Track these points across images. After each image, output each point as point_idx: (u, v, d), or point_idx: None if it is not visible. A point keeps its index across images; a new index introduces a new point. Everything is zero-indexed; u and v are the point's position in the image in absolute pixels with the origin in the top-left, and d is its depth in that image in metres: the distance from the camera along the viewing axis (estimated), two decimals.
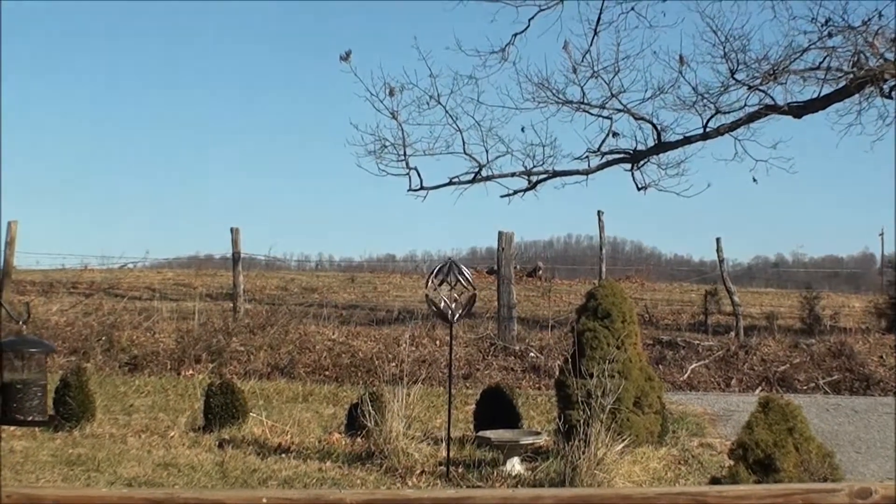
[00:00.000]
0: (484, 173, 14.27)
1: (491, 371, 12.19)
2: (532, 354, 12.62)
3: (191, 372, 11.90)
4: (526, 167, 14.27)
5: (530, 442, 7.57)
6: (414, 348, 12.64)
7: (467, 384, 11.58)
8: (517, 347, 12.88)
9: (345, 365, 12.13)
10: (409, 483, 6.91)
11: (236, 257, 14.79)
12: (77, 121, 46.17)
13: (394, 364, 11.70)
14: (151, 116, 46.17)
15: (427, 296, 7.47)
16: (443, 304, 7.27)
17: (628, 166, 14.51)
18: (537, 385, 11.73)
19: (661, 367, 12.26)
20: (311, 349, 12.61)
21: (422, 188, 14.25)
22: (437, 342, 12.89)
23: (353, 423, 8.26)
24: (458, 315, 7.31)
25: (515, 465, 7.31)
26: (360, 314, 14.98)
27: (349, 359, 12.29)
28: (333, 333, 13.21)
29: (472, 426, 8.49)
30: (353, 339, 13.02)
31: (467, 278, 7.27)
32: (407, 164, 14.08)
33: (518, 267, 17.70)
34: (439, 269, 7.37)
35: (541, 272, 20.51)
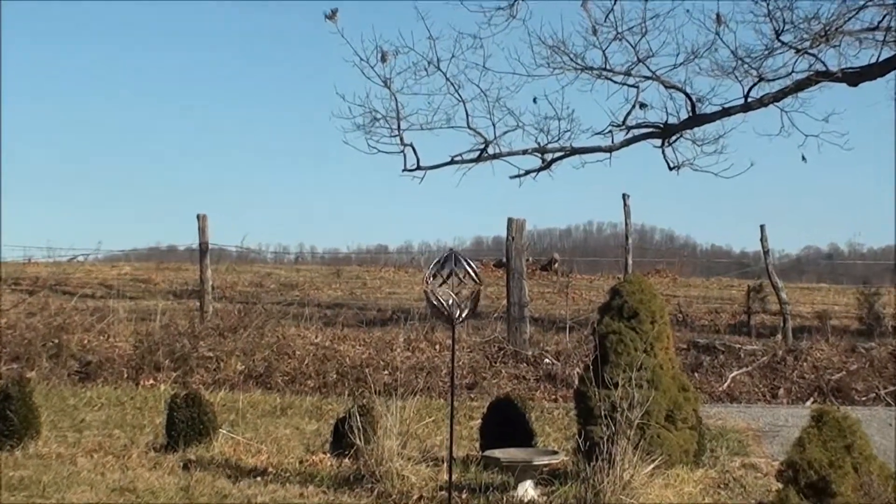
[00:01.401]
0: (490, 151, 14.30)
1: (499, 380, 12.25)
2: (547, 361, 12.66)
3: (151, 382, 11.93)
4: (539, 143, 14.30)
5: (546, 462, 7.55)
6: (410, 354, 12.75)
7: (472, 395, 11.61)
8: (530, 353, 12.92)
9: (330, 373, 12.20)
10: None
11: (203, 248, 14.80)
12: (11, 86, 46.13)
13: (387, 372, 12.07)
14: (95, 79, 46.13)
15: (425, 292, 7.46)
16: (443, 302, 7.29)
17: (658, 142, 14.54)
18: (553, 396, 11.78)
19: (696, 375, 12.28)
20: (290, 355, 12.68)
21: (418, 168, 14.25)
22: (437, 346, 12.95)
23: (340, 441, 8.26)
24: (461, 315, 7.32)
25: (529, 490, 7.29)
26: (347, 314, 15.04)
27: (335, 366, 12.36)
28: (316, 336, 13.30)
29: (477, 444, 8.51)
30: (340, 343, 13.08)
31: (472, 272, 7.28)
32: (401, 140, 14.11)
33: (531, 259, 17.79)
34: (439, 261, 7.36)
35: (557, 265, 20.53)
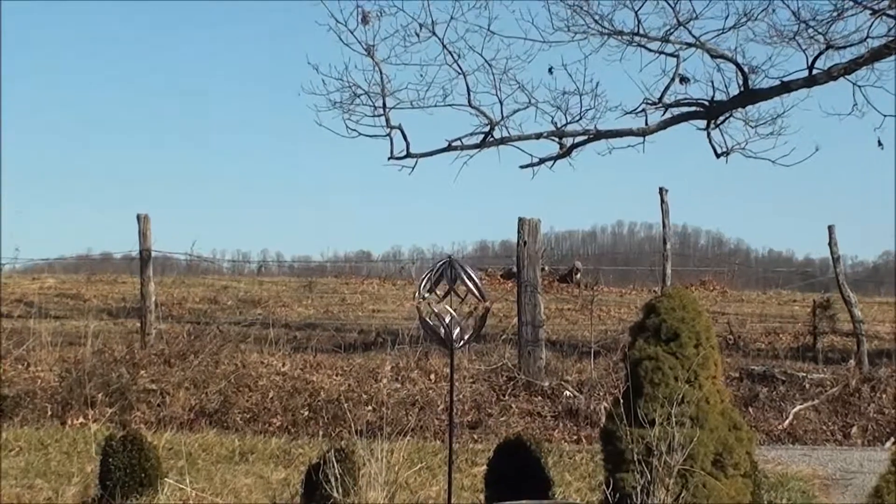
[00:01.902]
0: (497, 134, 14.28)
1: (509, 417, 12.20)
2: (567, 393, 12.63)
3: (81, 420, 11.85)
4: (557, 125, 14.29)
5: None
6: (399, 385, 12.74)
7: (476, 436, 11.62)
8: (546, 383, 12.89)
9: (300, 409, 12.14)
10: None
11: (145, 256, 14.75)
12: None
13: (370, 408, 12.04)
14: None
15: (418, 310, 7.48)
16: (440, 321, 7.34)
17: (703, 123, 14.55)
18: (575, 436, 11.77)
19: (751, 409, 12.30)
20: (252, 387, 12.62)
21: (408, 155, 14.26)
22: (433, 376, 12.94)
23: (313, 493, 8.09)
24: (462, 338, 7.38)
25: None
26: (321, 337, 15.01)
27: (307, 400, 12.34)
28: (284, 364, 13.22)
29: (482, 496, 8.46)
30: (313, 373, 13.04)
31: (475, 284, 7.31)
32: (387, 120, 14.09)
33: (547, 269, 18.06)
34: (435, 271, 7.41)
35: (579, 276, 20.56)
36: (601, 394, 12.24)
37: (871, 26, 13.64)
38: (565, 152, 14.47)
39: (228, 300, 18.03)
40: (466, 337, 7.44)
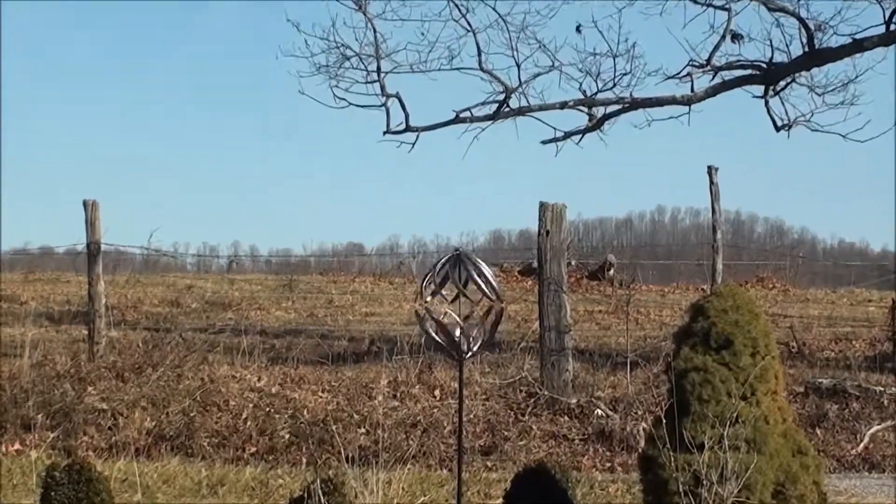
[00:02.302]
0: (514, 103, 14.31)
1: (529, 441, 12.14)
2: (599, 412, 12.58)
3: (18, 447, 11.83)
4: (585, 92, 14.32)
5: None
6: (397, 403, 12.63)
7: (490, 463, 11.59)
8: (574, 400, 12.84)
9: (279, 432, 12.08)
10: None
11: (94, 251, 14.72)
12: None
13: (363, 430, 12.05)
14: None
15: (418, 314, 7.49)
16: (446, 327, 7.34)
17: (760, 90, 14.54)
18: (608, 463, 11.71)
19: (818, 431, 12.24)
20: (221, 406, 12.59)
21: (408, 129, 14.35)
22: (438, 392, 12.90)
23: None
24: (473, 347, 7.40)
25: None
26: (304, 346, 15.01)
27: (287, 422, 12.26)
28: (259, 379, 13.20)
29: None
30: (294, 389, 13.00)
31: (488, 282, 7.32)
32: (382, 88, 14.14)
33: (574, 263, 17.90)
34: (439, 266, 7.40)
35: (613, 271, 20.60)
36: (639, 413, 12.18)
37: None
38: (596, 125, 14.50)
39: (193, 302, 17.97)
40: (478, 345, 7.45)
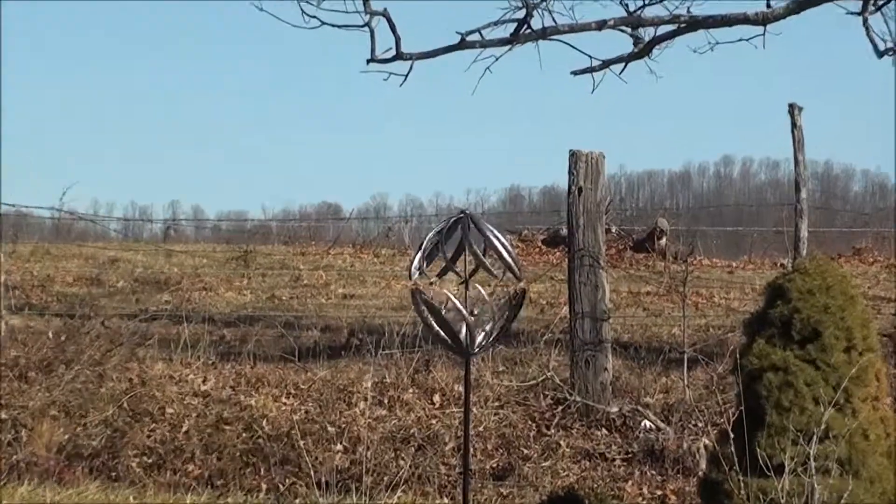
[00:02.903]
0: (537, 24, 13.37)
1: (556, 461, 11.44)
2: (647, 424, 11.86)
3: None
4: (628, 9, 13.64)
5: None
6: (385, 412, 12.09)
7: (505, 490, 11.06)
8: (614, 409, 12.06)
9: (231, 449, 11.49)
10: None
11: None
12: None
13: (340, 447, 11.73)
14: None
15: (414, 295, 7.44)
16: (448, 314, 7.37)
17: (856, 4, 13.46)
18: (659, 489, 11.08)
19: None
20: (155, 415, 12.11)
21: (398, 56, 13.57)
22: (437, 397, 12.37)
23: None
24: (482, 339, 7.43)
25: None
26: (264, 337, 14.65)
27: (241, 435, 11.71)
28: (205, 380, 12.66)
29: None
30: (250, 393, 12.41)
31: (502, 255, 7.32)
32: (366, 3, 13.28)
33: (615, 230, 18.22)
34: (440, 234, 7.36)
35: (665, 241, 20.74)
36: (699, 425, 11.53)
37: None
38: (643, 50, 13.66)
39: (119, 280, 18.17)
40: (490, 337, 7.54)
